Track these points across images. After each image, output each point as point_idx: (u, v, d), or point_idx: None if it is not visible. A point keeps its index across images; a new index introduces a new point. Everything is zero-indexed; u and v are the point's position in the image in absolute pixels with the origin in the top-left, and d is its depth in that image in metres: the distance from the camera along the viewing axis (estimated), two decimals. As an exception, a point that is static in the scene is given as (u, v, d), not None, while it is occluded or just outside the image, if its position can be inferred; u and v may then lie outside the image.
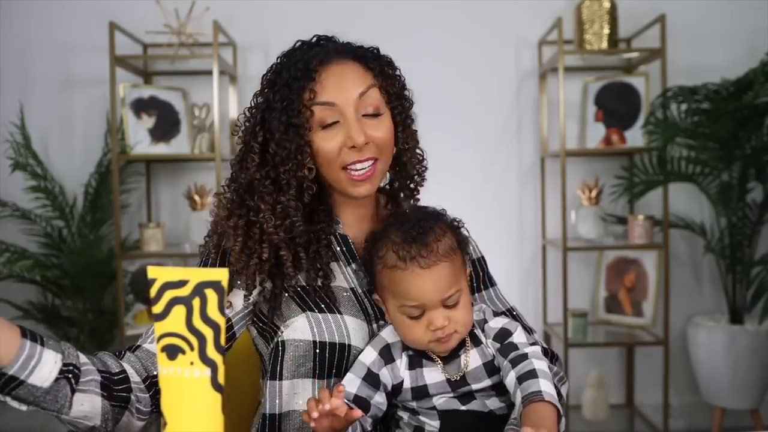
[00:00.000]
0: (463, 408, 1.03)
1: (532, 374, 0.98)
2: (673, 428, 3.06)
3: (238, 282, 1.11)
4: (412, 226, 1.04)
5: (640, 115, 3.00)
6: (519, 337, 1.05)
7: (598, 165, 3.17)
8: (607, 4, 2.92)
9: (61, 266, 2.90)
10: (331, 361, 1.08)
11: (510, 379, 0.99)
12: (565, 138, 2.86)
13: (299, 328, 1.09)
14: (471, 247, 1.20)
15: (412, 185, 1.22)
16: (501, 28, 3.17)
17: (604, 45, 2.92)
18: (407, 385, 1.04)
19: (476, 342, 1.06)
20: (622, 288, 3.10)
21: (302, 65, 1.10)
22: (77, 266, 2.87)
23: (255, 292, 1.11)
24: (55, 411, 0.90)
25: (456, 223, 1.09)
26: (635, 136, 3.00)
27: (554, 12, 2.98)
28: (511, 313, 1.23)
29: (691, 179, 2.84)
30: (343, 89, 1.09)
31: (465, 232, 1.11)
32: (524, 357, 1.01)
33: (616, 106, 3.05)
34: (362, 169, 1.09)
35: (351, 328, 1.09)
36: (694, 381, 2.97)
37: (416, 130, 1.20)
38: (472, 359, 1.04)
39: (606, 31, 2.92)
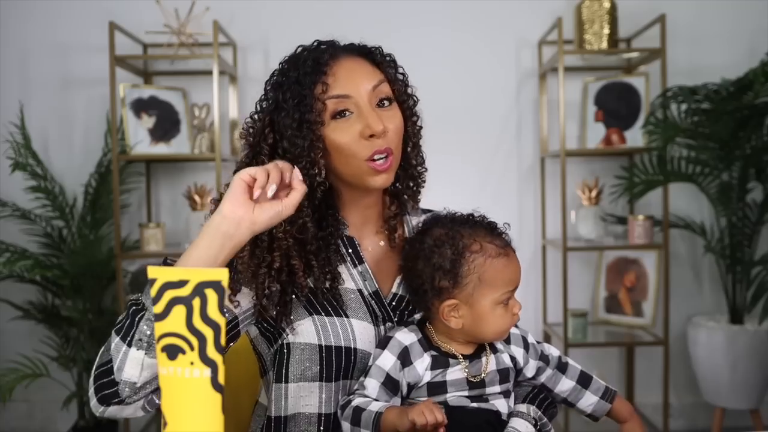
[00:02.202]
0: (472, 405, 1.04)
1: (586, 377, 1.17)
2: (673, 428, 3.06)
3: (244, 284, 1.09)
4: (486, 220, 1.11)
5: (640, 115, 3.00)
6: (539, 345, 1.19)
7: (598, 165, 3.17)
8: (607, 4, 2.92)
9: (61, 266, 2.90)
10: (338, 365, 1.08)
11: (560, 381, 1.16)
12: (564, 138, 2.86)
13: (305, 332, 1.08)
14: None
15: (413, 185, 1.21)
16: (501, 28, 3.17)
17: (604, 45, 2.92)
18: (426, 381, 1.04)
19: (494, 350, 1.09)
20: (622, 288, 3.10)
21: (312, 62, 1.09)
22: (77, 266, 2.87)
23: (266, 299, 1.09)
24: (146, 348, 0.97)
25: None
26: (635, 136, 3.00)
27: (554, 12, 2.98)
28: None
29: (691, 179, 2.84)
30: (356, 82, 1.09)
31: None
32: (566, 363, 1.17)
33: (616, 106, 3.05)
34: (381, 159, 1.08)
35: (357, 331, 1.09)
36: (694, 381, 2.97)
37: (421, 127, 1.20)
38: (491, 363, 1.07)
39: (606, 31, 2.92)
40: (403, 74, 1.17)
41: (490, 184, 3.19)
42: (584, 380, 1.15)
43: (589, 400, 1.14)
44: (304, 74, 1.08)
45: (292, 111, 1.07)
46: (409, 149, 1.17)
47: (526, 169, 3.21)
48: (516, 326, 1.16)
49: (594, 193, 3.01)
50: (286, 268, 1.08)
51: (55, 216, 2.99)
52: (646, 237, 2.89)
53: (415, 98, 1.18)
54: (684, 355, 3.05)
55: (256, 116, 1.13)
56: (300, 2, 3.11)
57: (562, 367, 1.14)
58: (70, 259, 2.92)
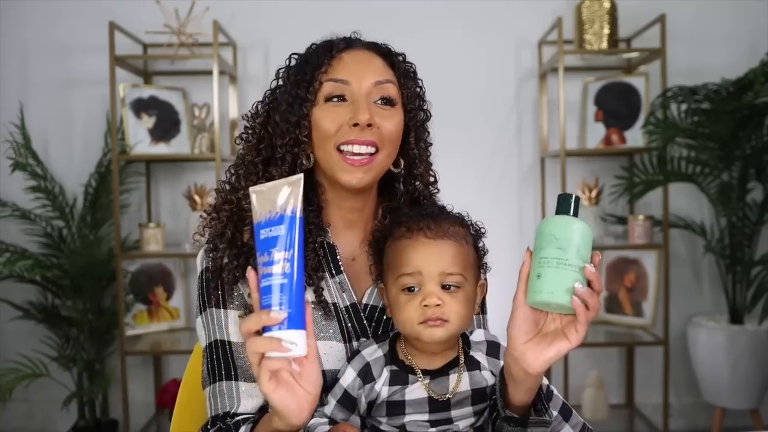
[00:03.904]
0: (431, 431, 0.98)
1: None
2: (673, 428, 3.06)
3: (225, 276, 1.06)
4: (428, 206, 1.06)
5: (640, 115, 3.00)
6: None
7: (598, 165, 3.17)
8: (607, 4, 2.92)
9: (61, 266, 2.90)
10: None
11: None
12: (565, 138, 2.86)
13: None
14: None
15: (420, 199, 1.16)
16: (501, 28, 3.17)
17: (604, 45, 2.92)
18: (384, 397, 0.99)
19: (471, 366, 1.02)
20: (622, 288, 3.10)
21: (325, 45, 1.08)
22: (77, 266, 2.87)
23: (245, 293, 1.06)
24: None
25: (476, 230, 1.06)
26: (635, 136, 3.00)
27: (554, 12, 2.98)
28: None
29: (691, 179, 2.84)
30: (360, 71, 1.06)
31: (483, 243, 1.07)
32: None
33: (616, 106, 3.05)
34: (359, 154, 1.03)
35: (323, 353, 1.05)
36: (694, 381, 2.97)
37: (431, 144, 1.16)
38: (462, 382, 1.00)
39: (606, 31, 2.92)
40: (421, 88, 1.13)
41: (490, 184, 3.19)
42: (565, 413, 1.05)
43: None
44: (314, 55, 1.07)
45: (291, 87, 1.07)
46: (418, 168, 1.13)
47: (526, 169, 3.21)
48: None
49: (594, 193, 3.01)
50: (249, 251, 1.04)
51: (55, 216, 2.99)
52: (646, 237, 2.89)
53: (428, 113, 1.14)
54: (684, 355, 3.05)
55: (264, 96, 1.13)
56: (300, 2, 3.11)
57: (547, 396, 1.02)
58: (70, 259, 2.91)
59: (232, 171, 1.12)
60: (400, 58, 1.12)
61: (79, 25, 3.11)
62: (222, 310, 1.07)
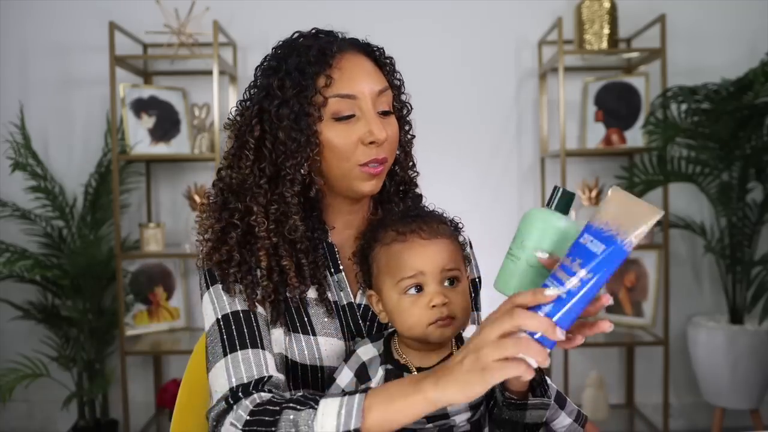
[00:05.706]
0: (428, 426, 0.98)
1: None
2: (673, 428, 3.06)
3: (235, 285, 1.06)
4: (411, 209, 1.06)
5: (640, 115, 3.00)
6: None
7: (598, 165, 3.17)
8: (607, 4, 2.92)
9: (61, 266, 2.90)
10: (305, 382, 1.06)
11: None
12: (565, 138, 2.86)
13: (276, 340, 1.06)
14: (473, 264, 1.20)
15: (403, 190, 1.18)
16: (501, 28, 3.17)
17: (604, 45, 2.93)
18: None
19: None
20: (622, 288, 3.10)
21: (317, 51, 1.03)
22: (77, 266, 2.87)
23: (259, 292, 1.06)
24: None
25: (454, 225, 1.07)
26: (635, 136, 3.00)
27: (554, 12, 2.98)
28: None
29: (691, 179, 2.84)
30: (362, 82, 1.04)
31: (463, 237, 1.08)
32: None
33: (616, 106, 3.05)
34: (375, 165, 1.05)
35: (324, 349, 1.06)
36: (694, 381, 2.97)
37: (414, 136, 1.17)
38: None
39: (606, 31, 2.92)
40: (400, 80, 1.13)
41: (490, 184, 3.19)
42: (560, 400, 1.08)
43: (563, 422, 1.08)
44: (307, 63, 1.02)
45: (291, 101, 1.01)
46: (400, 157, 1.15)
47: (526, 169, 3.21)
48: None
49: (594, 193, 3.01)
50: (276, 267, 1.05)
51: (55, 216, 2.99)
52: (646, 237, 2.89)
53: (409, 106, 1.15)
54: (684, 355, 3.05)
55: (244, 104, 1.08)
56: (300, 2, 3.10)
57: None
58: (70, 259, 2.92)
59: (222, 185, 1.09)
60: (378, 53, 1.11)
61: (78, 25, 3.11)
62: (228, 294, 1.06)
